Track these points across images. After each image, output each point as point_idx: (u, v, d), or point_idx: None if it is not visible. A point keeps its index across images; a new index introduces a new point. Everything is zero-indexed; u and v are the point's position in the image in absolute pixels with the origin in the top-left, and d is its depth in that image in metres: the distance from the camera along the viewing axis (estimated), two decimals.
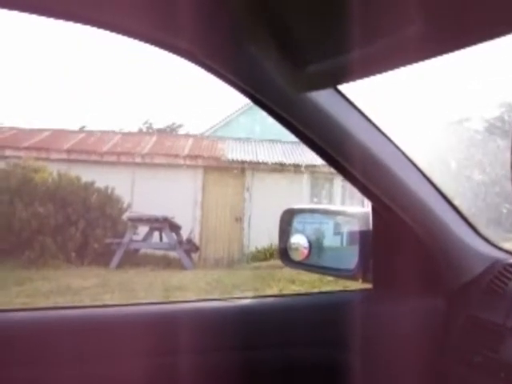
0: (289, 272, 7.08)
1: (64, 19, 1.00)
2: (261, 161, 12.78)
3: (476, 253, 1.40)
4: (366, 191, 1.34)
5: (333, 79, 0.86)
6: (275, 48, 0.77)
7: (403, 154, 1.30)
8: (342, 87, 1.20)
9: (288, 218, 1.62)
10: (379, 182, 1.29)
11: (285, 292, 6.39)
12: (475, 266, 1.40)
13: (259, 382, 1.39)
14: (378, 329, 1.43)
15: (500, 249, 1.45)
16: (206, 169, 12.81)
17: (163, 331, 1.34)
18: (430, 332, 1.42)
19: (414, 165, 1.32)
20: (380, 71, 0.73)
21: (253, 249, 11.49)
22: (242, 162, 12.78)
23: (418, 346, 1.41)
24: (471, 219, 1.40)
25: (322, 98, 1.16)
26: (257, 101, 1.16)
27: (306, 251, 1.57)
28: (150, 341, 1.31)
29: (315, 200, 12.34)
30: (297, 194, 11.72)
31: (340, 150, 1.25)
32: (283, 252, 1.62)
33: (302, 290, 6.71)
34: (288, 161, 12.67)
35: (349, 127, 1.21)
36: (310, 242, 1.57)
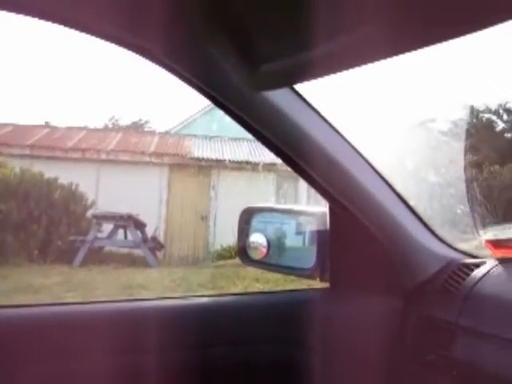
0: (253, 271, 7.09)
1: (23, 13, 0.99)
2: (227, 159, 12.77)
3: (431, 253, 1.43)
4: (322, 191, 1.35)
5: (289, 78, 0.86)
6: (232, 47, 0.77)
7: (359, 154, 1.32)
8: (299, 87, 1.21)
9: (247, 217, 1.63)
10: (335, 182, 1.31)
11: (250, 290, 6.41)
12: (430, 265, 1.42)
13: (218, 379, 1.40)
14: (334, 327, 1.45)
15: (455, 249, 1.48)
16: (172, 166, 12.75)
17: (122, 329, 1.34)
18: (385, 331, 1.45)
19: (371, 165, 1.34)
20: (337, 70, 0.73)
21: (218, 247, 11.47)
22: (208, 160, 12.76)
23: (374, 345, 1.44)
24: (427, 220, 1.43)
25: (279, 97, 1.17)
26: (214, 100, 1.17)
27: (264, 250, 1.58)
28: (108, 339, 1.30)
29: (282, 199, 12.39)
30: (263, 192, 11.74)
31: (296, 150, 1.26)
32: (242, 251, 1.63)
33: (266, 288, 6.74)
34: (254, 159, 12.68)
35: (305, 127, 1.22)
36: (268, 241, 1.58)
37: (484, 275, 1.32)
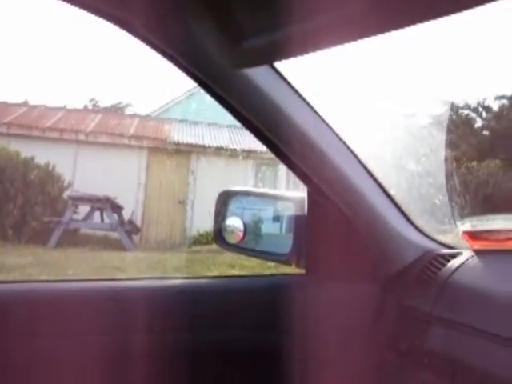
0: (229, 257, 7.09)
1: None
2: (207, 144, 12.72)
3: (408, 242, 1.42)
4: (301, 176, 1.34)
5: (270, 56, 0.84)
6: (213, 22, 0.75)
7: (341, 140, 1.31)
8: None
9: (224, 200, 1.61)
10: (314, 166, 1.29)
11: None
12: (407, 255, 1.42)
13: (194, 363, 1.38)
14: (308, 314, 1.44)
15: (432, 239, 1.48)
16: (151, 150, 12.65)
17: (100, 308, 1.32)
18: (360, 318, 1.44)
19: (352, 152, 1.33)
20: (318, 48, 0.71)
21: (195, 232, 11.45)
22: (188, 145, 12.69)
23: (349, 332, 1.43)
24: (405, 209, 1.42)
25: (260, 76, 1.15)
26: (195, 77, 1.14)
27: (240, 234, 1.56)
28: (88, 318, 1.29)
29: (260, 185, 12.39)
30: (241, 179, 11.73)
31: (276, 132, 1.24)
32: (218, 234, 1.61)
33: (243, 273, 6.74)
34: (234, 146, 12.65)
35: (285, 108, 1.20)
36: (245, 224, 1.56)
37: (459, 266, 1.32)
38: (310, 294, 1.46)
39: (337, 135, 1.30)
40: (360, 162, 1.34)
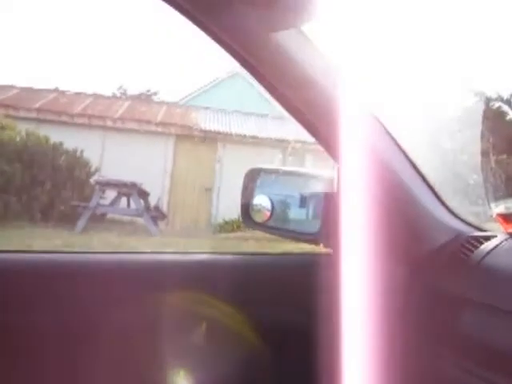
0: (254, 244, 7.09)
1: None
2: (234, 132, 12.70)
3: (440, 224, 1.39)
4: (330, 150, 1.30)
5: (298, 18, 0.82)
6: None
7: (372, 114, 1.27)
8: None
9: (252, 177, 1.58)
10: (344, 142, 1.26)
11: None
12: (439, 236, 1.38)
13: (220, 338, 1.38)
14: (336, 294, 1.42)
15: (464, 221, 1.44)
16: (178, 137, 12.69)
17: (123, 280, 1.32)
18: (389, 299, 1.41)
19: (383, 127, 1.29)
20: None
21: (220, 220, 11.47)
22: (215, 133, 12.70)
23: (377, 313, 1.40)
24: (437, 190, 1.38)
25: (288, 39, 1.11)
26: (227, 46, 1.11)
27: (268, 213, 1.53)
28: (107, 289, 1.29)
29: None
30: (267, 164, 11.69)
31: (305, 101, 1.21)
32: (245, 212, 1.58)
33: None
34: (261, 134, 12.61)
35: (316, 75, 1.16)
36: (272, 203, 1.53)
37: (493, 248, 1.28)
38: (336, 274, 1.44)
39: (369, 109, 1.27)
40: (392, 137, 1.30)
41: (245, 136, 12.59)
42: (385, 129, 1.30)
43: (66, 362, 1.26)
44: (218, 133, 12.73)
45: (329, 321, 1.40)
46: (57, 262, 1.36)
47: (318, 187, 1.49)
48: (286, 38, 1.11)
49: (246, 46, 1.10)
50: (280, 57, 1.12)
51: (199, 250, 8.33)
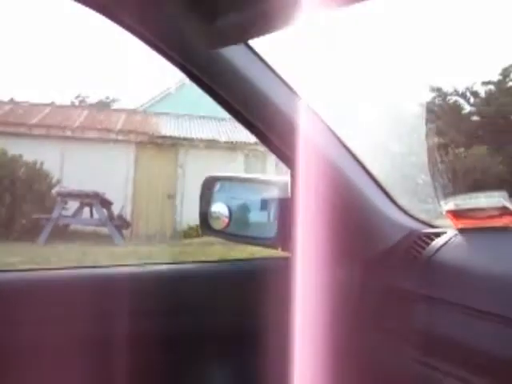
0: (220, 249, 7.09)
1: None
2: (195, 137, 12.66)
3: (392, 222, 1.42)
4: (283, 157, 1.33)
5: (243, 34, 0.84)
6: (186, 3, 0.75)
7: (321, 120, 1.30)
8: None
9: (209, 186, 1.60)
10: (296, 147, 1.29)
11: None
12: (391, 235, 1.42)
13: (177, 348, 1.38)
14: (295, 296, 1.44)
15: (416, 219, 1.48)
16: (139, 144, 12.60)
17: (77, 296, 1.31)
18: (346, 299, 1.44)
19: (333, 132, 1.32)
20: (291, 23, 0.71)
21: (185, 226, 11.42)
22: (176, 138, 12.64)
23: (334, 314, 1.43)
24: (388, 189, 1.42)
25: (236, 55, 1.13)
26: (172, 60, 1.13)
27: (226, 220, 1.56)
28: (66, 305, 1.29)
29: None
30: (230, 171, 11.70)
31: (255, 112, 1.23)
32: (203, 220, 1.60)
33: None
34: (222, 138, 12.61)
35: (264, 88, 1.19)
36: (230, 210, 1.56)
37: (443, 244, 1.32)
38: (295, 277, 1.46)
39: (318, 115, 1.30)
40: (342, 142, 1.34)
41: (206, 140, 12.57)
42: (334, 133, 1.33)
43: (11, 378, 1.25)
44: (180, 138, 12.67)
45: (287, 324, 1.43)
46: (19, 279, 1.35)
47: (274, 193, 1.52)
48: (233, 54, 1.13)
49: (193, 62, 1.13)
50: (228, 72, 1.14)
51: (163, 256, 8.30)
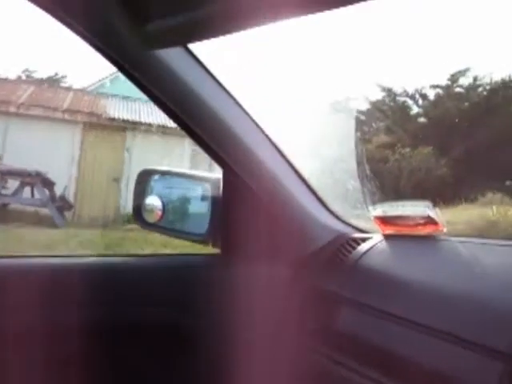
0: (160, 237, 7.04)
1: None
2: (143, 121, 12.51)
3: (322, 225, 1.45)
4: (215, 156, 1.34)
5: (180, 37, 0.84)
6: (119, 5, 0.74)
7: (255, 123, 1.32)
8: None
9: (144, 179, 1.60)
10: (228, 148, 1.30)
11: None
12: (320, 237, 1.45)
13: (109, 338, 1.37)
14: (221, 294, 1.45)
15: (345, 223, 1.51)
16: (86, 125, 12.35)
17: (17, 286, 1.29)
18: (274, 299, 1.46)
19: (266, 135, 1.34)
20: (229, 31, 0.71)
21: (129, 211, 11.28)
22: (124, 121, 12.45)
23: (262, 313, 1.45)
24: (319, 193, 1.45)
25: (173, 57, 1.14)
26: (108, 56, 1.12)
27: (159, 213, 1.56)
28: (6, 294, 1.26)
29: (197, 164, 12.31)
30: (177, 157, 11.63)
31: (189, 113, 1.24)
32: (137, 213, 1.60)
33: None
34: (171, 124, 12.49)
35: (199, 90, 1.20)
36: (164, 204, 1.56)
37: (369, 249, 1.35)
38: (223, 274, 1.47)
39: (251, 118, 1.31)
40: (274, 145, 1.35)
41: (154, 125, 12.43)
42: (268, 136, 1.34)
43: None
44: (128, 121, 12.49)
45: (216, 321, 1.44)
46: None
47: (208, 189, 1.52)
48: (170, 56, 1.13)
49: (129, 62, 1.12)
50: (163, 73, 1.14)
51: (104, 241, 8.18)
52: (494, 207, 8.05)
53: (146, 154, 11.71)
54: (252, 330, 1.44)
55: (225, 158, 1.32)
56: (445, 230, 1.36)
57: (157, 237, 7.24)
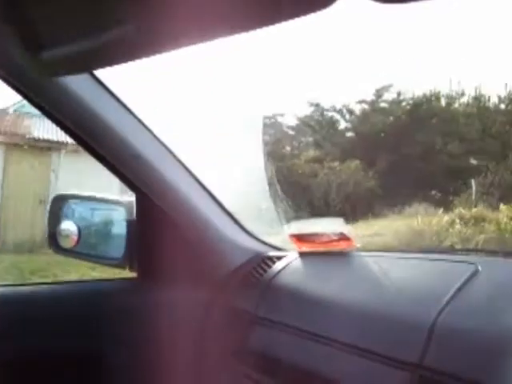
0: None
1: None
2: (70, 141, 12.22)
3: (237, 245, 1.46)
4: (126, 181, 1.32)
5: (78, 65, 0.82)
6: (17, 32, 0.72)
7: (164, 146, 1.31)
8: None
9: (58, 205, 1.58)
10: (138, 172, 1.29)
11: (85, 278, 6.19)
12: (236, 257, 1.45)
13: (18, 372, 1.32)
14: (141, 318, 1.43)
15: (262, 242, 1.52)
16: (9, 146, 11.95)
17: None
18: (192, 321, 1.45)
19: (176, 158, 1.33)
20: (130, 59, 0.70)
21: None
22: (50, 141, 12.13)
23: (181, 336, 1.44)
24: (234, 213, 1.45)
25: (76, 83, 1.12)
26: (12, 85, 1.09)
27: (75, 238, 1.54)
28: None
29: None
30: (106, 176, 11.41)
31: (96, 139, 1.23)
32: (52, 238, 1.57)
33: (104, 276, 6.54)
34: None
35: (104, 115, 1.19)
36: (79, 229, 1.54)
37: (284, 268, 1.37)
38: (140, 298, 1.45)
39: (161, 142, 1.31)
40: (186, 168, 1.35)
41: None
42: (180, 161, 1.34)
43: None
44: (53, 141, 12.17)
45: (136, 347, 1.41)
46: None
47: (122, 213, 1.51)
48: (75, 83, 1.11)
49: (29, 89, 1.09)
50: (68, 100, 1.12)
51: (31, 266, 7.91)
52: (419, 217, 8.32)
53: (73, 174, 11.43)
54: (173, 354, 1.42)
55: (136, 182, 1.30)
56: (358, 245, 1.40)
57: (82, 262, 7.05)
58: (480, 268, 1.09)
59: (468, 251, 1.48)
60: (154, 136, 1.29)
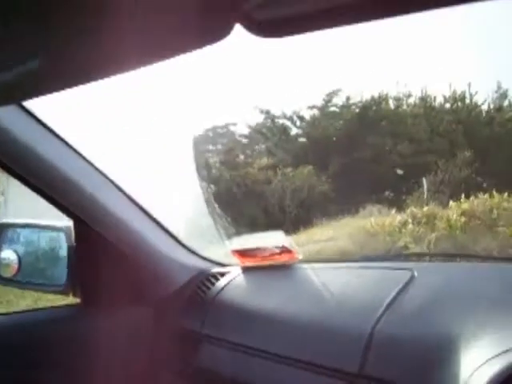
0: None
1: None
2: None
3: (180, 264, 1.46)
4: (62, 208, 1.31)
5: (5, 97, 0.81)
6: None
7: (97, 170, 1.31)
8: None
9: None
10: (72, 198, 1.28)
11: (40, 303, 6.05)
12: (179, 276, 1.46)
13: None
14: (86, 344, 1.41)
15: (205, 259, 1.53)
16: None
17: None
18: (138, 343, 1.45)
19: (111, 181, 1.33)
20: (50, 91, 0.70)
21: None
22: None
23: (127, 359, 1.43)
24: (174, 232, 1.45)
25: (3, 115, 1.11)
26: None
27: (16, 266, 1.51)
28: None
29: None
30: None
31: (27, 169, 1.21)
32: None
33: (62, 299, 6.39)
34: None
35: (33, 145, 1.18)
36: (20, 257, 1.51)
37: (227, 284, 1.38)
38: (84, 324, 1.44)
39: (93, 166, 1.30)
40: (121, 190, 1.35)
41: None
42: (112, 181, 1.34)
43: None
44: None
45: (81, 372, 1.40)
46: None
47: (63, 238, 1.49)
48: (2, 114, 1.10)
49: None
50: None
51: None
52: (373, 219, 8.42)
53: (24, 196, 11.18)
54: (120, 378, 1.41)
55: (71, 209, 1.30)
56: (300, 257, 1.42)
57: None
58: (416, 274, 1.13)
59: (407, 256, 1.52)
60: (87, 161, 1.29)
